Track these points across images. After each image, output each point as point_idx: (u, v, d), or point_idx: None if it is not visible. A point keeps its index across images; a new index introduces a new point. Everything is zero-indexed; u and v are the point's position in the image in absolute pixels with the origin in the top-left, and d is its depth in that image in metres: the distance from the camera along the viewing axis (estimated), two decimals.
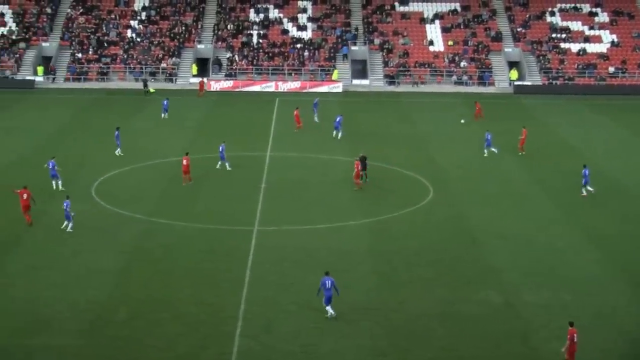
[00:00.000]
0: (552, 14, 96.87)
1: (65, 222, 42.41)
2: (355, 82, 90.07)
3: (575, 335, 28.99)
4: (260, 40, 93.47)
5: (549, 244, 41.71)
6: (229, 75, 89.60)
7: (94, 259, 38.75)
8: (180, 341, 30.88)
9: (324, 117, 69.25)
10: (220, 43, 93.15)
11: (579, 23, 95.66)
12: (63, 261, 38.62)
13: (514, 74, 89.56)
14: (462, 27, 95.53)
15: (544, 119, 73.80)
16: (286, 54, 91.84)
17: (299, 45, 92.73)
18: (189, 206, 47.05)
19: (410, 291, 35.64)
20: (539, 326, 32.45)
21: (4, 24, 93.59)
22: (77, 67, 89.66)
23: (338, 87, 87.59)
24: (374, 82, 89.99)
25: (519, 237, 42.61)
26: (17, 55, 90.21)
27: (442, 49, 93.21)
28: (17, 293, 34.98)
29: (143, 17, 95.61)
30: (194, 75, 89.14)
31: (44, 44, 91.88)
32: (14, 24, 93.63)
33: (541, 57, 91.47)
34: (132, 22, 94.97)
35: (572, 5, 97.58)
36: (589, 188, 49.55)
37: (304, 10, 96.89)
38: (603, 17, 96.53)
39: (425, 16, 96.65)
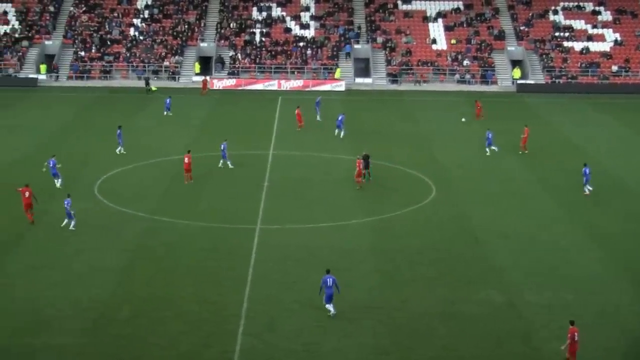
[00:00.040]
0: (555, 12, 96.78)
1: (66, 221, 42.42)
2: (358, 80, 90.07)
3: (576, 334, 28.98)
4: (263, 39, 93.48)
5: (551, 243, 41.71)
6: (231, 74, 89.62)
7: (97, 258, 38.79)
8: (183, 339, 30.91)
9: (326, 116, 69.26)
10: (223, 41, 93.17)
11: (582, 22, 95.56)
12: (65, 260, 38.65)
13: (516, 73, 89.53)
14: (464, 25, 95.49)
15: (546, 118, 73.76)
16: (289, 52, 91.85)
17: (301, 44, 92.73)
18: (191, 204, 47.08)
19: (412, 290, 35.66)
20: (540, 326, 32.44)
21: (7, 22, 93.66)
22: (80, 65, 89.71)
23: (341, 86, 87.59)
24: (376, 80, 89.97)
25: (522, 236, 42.61)
26: (20, 54, 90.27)
27: (444, 47, 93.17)
28: (19, 292, 35.00)
29: (146, 15, 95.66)
30: (197, 74, 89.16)
31: (46, 42, 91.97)
32: (17, 22, 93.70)
33: (544, 56, 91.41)
34: (135, 21, 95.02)
35: (575, 3, 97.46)
36: (588, 187, 49.52)
37: (307, 9, 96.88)
38: (606, 15, 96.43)
39: (428, 14, 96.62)
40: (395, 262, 38.84)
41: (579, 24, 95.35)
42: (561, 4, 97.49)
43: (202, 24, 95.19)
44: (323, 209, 46.78)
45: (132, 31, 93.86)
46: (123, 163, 55.48)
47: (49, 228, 42.59)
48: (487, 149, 58.96)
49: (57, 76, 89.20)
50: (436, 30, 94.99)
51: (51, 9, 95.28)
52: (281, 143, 62.17)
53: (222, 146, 54.37)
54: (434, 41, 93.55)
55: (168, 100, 72.36)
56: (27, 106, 76.65)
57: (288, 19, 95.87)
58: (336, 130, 64.03)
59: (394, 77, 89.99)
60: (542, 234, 42.96)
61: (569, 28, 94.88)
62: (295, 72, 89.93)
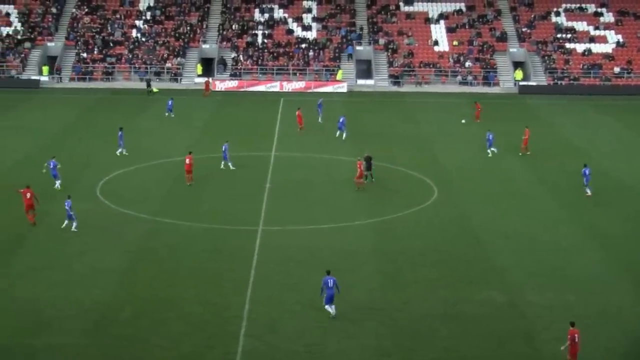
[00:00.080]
0: (557, 14, 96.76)
1: (66, 222, 42.44)
2: (360, 82, 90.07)
3: (576, 335, 28.97)
4: (265, 40, 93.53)
5: (553, 243, 41.72)
6: (233, 75, 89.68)
7: (99, 259, 38.83)
8: (185, 341, 30.95)
9: (327, 118, 69.27)
10: (225, 43, 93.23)
11: (584, 23, 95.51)
12: (67, 261, 38.69)
13: (518, 74, 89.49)
14: (467, 27, 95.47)
15: (548, 119, 73.75)
16: (291, 54, 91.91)
17: (303, 45, 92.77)
18: (193, 206, 47.12)
19: (414, 291, 35.67)
20: (542, 326, 32.45)
21: (10, 24, 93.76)
22: (82, 66, 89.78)
23: (343, 87, 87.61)
24: (378, 82, 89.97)
25: (523, 237, 42.63)
26: (23, 55, 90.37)
27: (447, 49, 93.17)
28: (20, 293, 35.05)
29: (148, 17, 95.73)
30: (199, 75, 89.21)
31: (49, 44, 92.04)
32: (20, 24, 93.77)
33: (546, 58, 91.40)
34: (137, 22, 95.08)
35: (578, 5, 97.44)
36: (588, 191, 49.47)
37: (309, 10, 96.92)
38: (608, 17, 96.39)
39: (430, 16, 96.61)
40: (397, 264, 38.86)
41: (581, 26, 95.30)
42: (563, 5, 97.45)
43: (204, 26, 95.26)
44: (325, 210, 46.80)
45: (134, 33, 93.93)
46: (125, 164, 55.53)
47: (50, 229, 42.63)
48: (489, 151, 58.98)
49: (60, 78, 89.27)
50: (438, 31, 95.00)
51: (53, 10, 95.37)
52: (283, 144, 62.19)
53: (224, 147, 54.41)
54: (436, 43, 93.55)
55: (170, 102, 72.41)
56: (30, 108, 76.72)
57: (290, 20, 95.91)
58: (337, 132, 64.06)
59: (395, 79, 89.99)
60: (544, 234, 42.97)
61: (571, 29, 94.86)
62: (297, 74, 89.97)
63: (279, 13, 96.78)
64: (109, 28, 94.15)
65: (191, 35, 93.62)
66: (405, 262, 39.05)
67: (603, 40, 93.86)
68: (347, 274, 36.21)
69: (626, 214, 46.59)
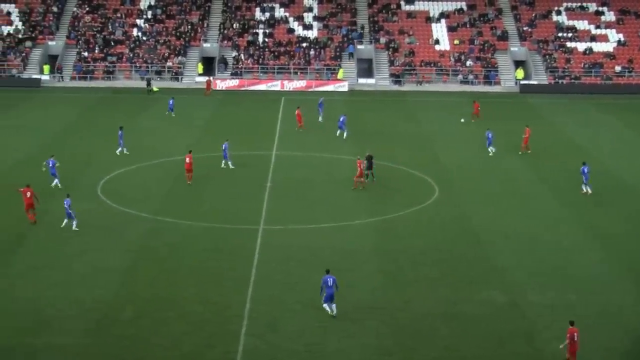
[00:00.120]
0: (559, 12, 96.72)
1: (65, 221, 42.42)
2: (361, 81, 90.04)
3: (575, 334, 28.95)
4: (266, 39, 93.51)
5: (554, 243, 41.69)
6: (234, 74, 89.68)
7: (100, 258, 38.82)
8: (186, 340, 30.95)
9: (328, 117, 69.25)
10: (226, 42, 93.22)
11: (585, 22, 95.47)
12: (68, 260, 38.67)
13: (520, 73, 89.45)
14: (468, 26, 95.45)
15: (550, 118, 73.74)
16: (292, 52, 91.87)
17: (304, 44, 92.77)
18: (194, 205, 47.12)
19: (415, 290, 35.65)
20: (543, 326, 32.42)
21: (11, 23, 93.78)
22: (83, 65, 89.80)
23: (344, 86, 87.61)
24: (379, 81, 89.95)
25: (524, 236, 42.60)
26: (24, 54, 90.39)
27: (448, 48, 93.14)
28: (20, 292, 35.03)
29: (149, 16, 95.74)
30: (200, 74, 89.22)
31: (50, 43, 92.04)
32: (21, 23, 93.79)
33: (547, 56, 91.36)
34: (138, 21, 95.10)
35: (579, 4, 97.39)
36: (583, 189, 49.47)
37: (310, 9, 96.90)
38: (609, 16, 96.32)
39: (431, 15, 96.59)
40: (398, 263, 38.85)
41: (582, 25, 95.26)
42: (564, 4, 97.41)
43: (205, 25, 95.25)
44: (326, 209, 46.79)
45: (135, 32, 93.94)
46: (126, 163, 55.53)
47: (51, 228, 42.62)
48: (490, 150, 58.96)
49: (61, 77, 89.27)
50: (439, 30, 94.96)
51: (54, 9, 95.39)
52: (284, 144, 62.18)
53: (224, 146, 54.41)
54: (437, 42, 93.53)
55: (171, 101, 72.40)
56: (30, 107, 76.74)
57: (291, 19, 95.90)
58: (338, 131, 64.05)
59: (396, 78, 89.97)
60: (545, 234, 42.95)
61: (572, 28, 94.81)
62: (298, 73, 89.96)
63: (279, 12, 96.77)
64: (110, 27, 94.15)
65: (192, 34, 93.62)
66: (406, 261, 39.04)
67: (604, 39, 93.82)
68: (348, 273, 36.21)
69: (627, 213, 46.57)
